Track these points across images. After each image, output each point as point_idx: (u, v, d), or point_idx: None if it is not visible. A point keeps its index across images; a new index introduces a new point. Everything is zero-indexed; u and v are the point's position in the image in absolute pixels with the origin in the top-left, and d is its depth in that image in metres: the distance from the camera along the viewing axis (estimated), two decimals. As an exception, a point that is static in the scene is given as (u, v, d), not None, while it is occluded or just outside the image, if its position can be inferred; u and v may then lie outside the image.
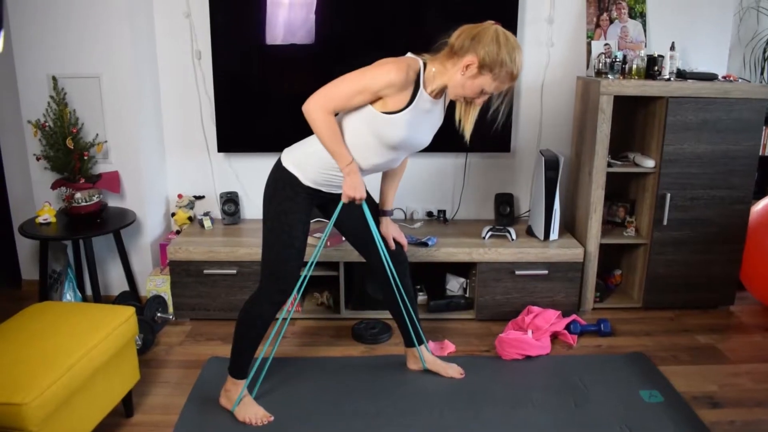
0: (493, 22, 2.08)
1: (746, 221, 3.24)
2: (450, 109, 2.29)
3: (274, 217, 2.26)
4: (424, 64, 2.14)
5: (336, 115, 2.14)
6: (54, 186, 3.04)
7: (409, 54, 2.17)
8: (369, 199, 2.47)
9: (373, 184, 2.55)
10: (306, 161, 2.24)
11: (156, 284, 3.20)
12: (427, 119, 2.20)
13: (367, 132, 2.15)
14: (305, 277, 2.38)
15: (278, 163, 2.29)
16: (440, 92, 2.18)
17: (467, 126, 2.23)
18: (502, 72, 2.05)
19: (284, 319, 2.51)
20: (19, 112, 3.17)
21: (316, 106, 2.08)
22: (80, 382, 1.96)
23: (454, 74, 2.09)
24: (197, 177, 3.55)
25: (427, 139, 2.26)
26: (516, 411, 2.43)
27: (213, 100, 3.35)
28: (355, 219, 2.43)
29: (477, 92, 2.10)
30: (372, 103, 2.11)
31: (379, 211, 2.53)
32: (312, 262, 2.40)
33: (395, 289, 2.52)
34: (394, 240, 2.53)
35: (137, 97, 3.16)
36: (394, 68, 2.05)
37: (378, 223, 2.48)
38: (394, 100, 2.09)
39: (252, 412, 2.36)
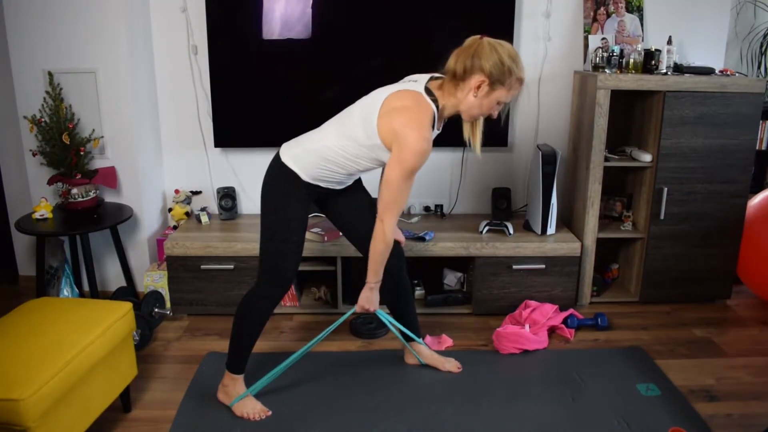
0: (479, 36, 2.07)
1: (743, 215, 3.24)
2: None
3: (273, 212, 2.26)
4: (436, 104, 2.12)
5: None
6: (50, 181, 3.03)
7: (414, 83, 2.14)
8: (366, 195, 2.48)
9: (373, 183, 2.55)
10: (305, 157, 2.23)
11: (153, 279, 3.20)
12: None
13: (369, 158, 2.19)
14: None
15: (277, 159, 2.28)
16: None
17: (476, 142, 2.23)
18: (513, 80, 2.06)
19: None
20: (15, 108, 3.16)
21: (391, 230, 2.17)
22: (78, 377, 1.96)
23: (466, 98, 2.09)
24: (194, 172, 3.55)
25: None
26: (513, 405, 2.43)
27: (209, 95, 3.34)
28: (352, 212, 2.43)
29: (493, 106, 2.12)
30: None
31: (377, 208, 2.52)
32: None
33: (392, 283, 2.52)
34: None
35: (134, 92, 3.15)
36: (427, 140, 2.04)
37: (374, 221, 2.48)
38: None
39: (250, 406, 2.36)
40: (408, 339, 2.64)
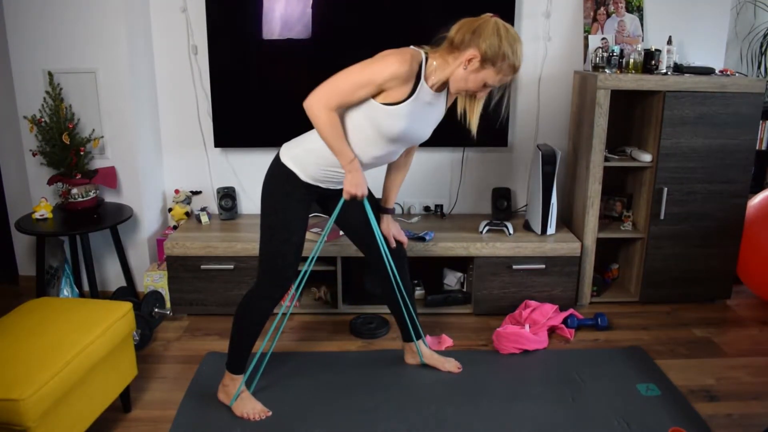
0: (492, 14, 2.07)
1: (743, 215, 3.24)
2: (452, 104, 2.29)
3: (273, 212, 2.25)
4: (426, 56, 2.13)
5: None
6: (50, 181, 3.03)
7: (411, 47, 2.16)
8: (370, 195, 2.47)
9: (374, 182, 2.54)
10: (305, 157, 2.23)
11: (153, 280, 3.20)
12: (427, 112, 2.19)
13: (368, 125, 2.14)
14: (305, 272, 2.38)
15: (277, 159, 2.28)
16: (441, 86, 2.17)
17: (473, 120, 2.22)
18: (505, 65, 2.04)
19: (283, 314, 2.51)
20: (15, 108, 3.16)
21: (318, 103, 2.05)
22: (78, 377, 1.96)
23: (456, 68, 2.08)
24: (194, 172, 3.55)
25: (427, 132, 2.26)
26: (513, 405, 2.43)
27: (209, 95, 3.34)
28: (355, 214, 2.43)
29: (480, 86, 2.10)
30: (373, 96, 2.11)
31: (380, 209, 2.52)
32: (312, 258, 2.39)
33: (394, 284, 2.52)
34: (394, 237, 2.52)
35: (133, 92, 3.15)
36: (398, 60, 2.04)
37: (378, 220, 2.48)
38: (397, 92, 2.08)
39: (250, 406, 2.36)
40: (408, 336, 2.64)
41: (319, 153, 2.20)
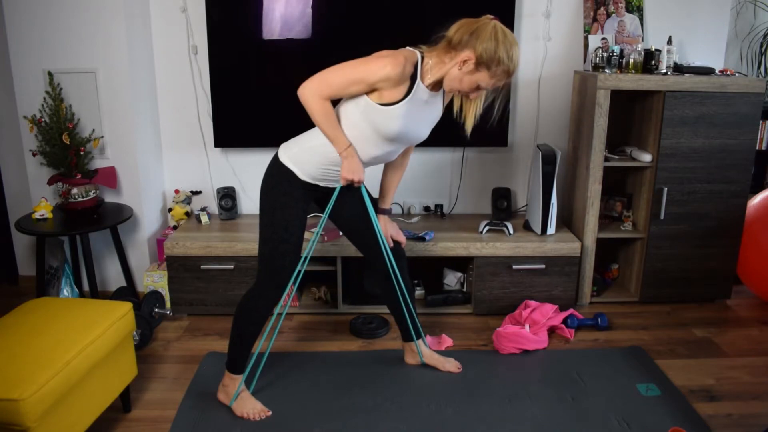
0: (491, 17, 2.07)
1: (743, 215, 3.24)
2: (449, 102, 2.29)
3: (271, 211, 2.26)
4: (422, 56, 2.13)
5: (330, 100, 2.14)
6: (50, 181, 3.03)
7: (407, 47, 2.16)
8: (368, 194, 2.47)
9: (373, 182, 2.54)
10: (303, 156, 2.24)
11: (153, 280, 3.20)
12: (424, 112, 2.20)
13: (365, 124, 2.15)
14: (299, 271, 2.38)
15: (275, 158, 2.29)
16: (438, 85, 2.18)
17: (468, 120, 2.23)
18: (499, 69, 2.05)
19: (280, 314, 2.51)
20: (15, 108, 3.16)
21: (311, 91, 2.09)
22: (78, 377, 1.96)
23: (451, 68, 2.09)
24: (194, 172, 3.55)
25: (424, 132, 2.26)
26: (513, 405, 2.43)
27: (209, 95, 3.34)
28: (353, 211, 2.43)
29: (473, 87, 2.11)
30: (368, 93, 2.11)
31: (377, 209, 2.52)
32: (306, 257, 2.39)
33: (393, 280, 2.52)
34: (392, 237, 2.53)
35: (133, 92, 3.15)
36: (391, 62, 2.05)
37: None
38: (390, 93, 2.09)
39: (250, 406, 2.36)
40: (409, 336, 2.65)
41: (317, 151, 2.21)
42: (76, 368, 1.95)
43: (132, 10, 3.10)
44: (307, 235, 2.80)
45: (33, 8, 2.98)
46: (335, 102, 2.22)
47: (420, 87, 2.13)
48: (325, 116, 2.11)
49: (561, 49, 3.43)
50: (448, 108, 2.28)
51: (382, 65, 2.05)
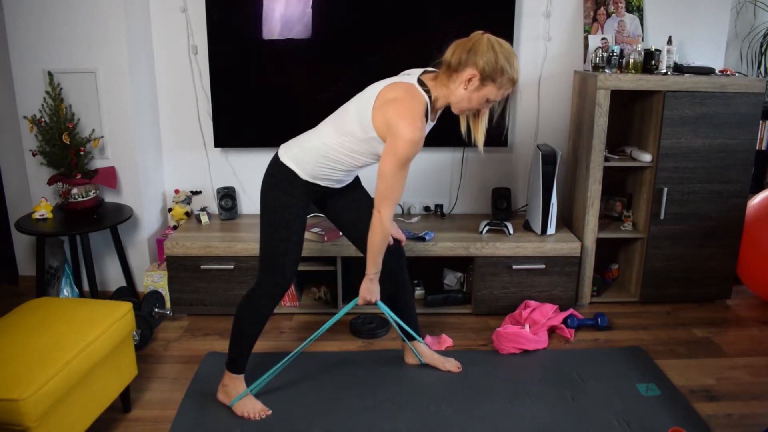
0: (482, 32, 2.09)
1: (743, 215, 3.24)
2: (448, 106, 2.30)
3: (272, 211, 2.26)
4: (428, 93, 2.13)
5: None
6: (50, 182, 3.03)
7: (408, 76, 2.17)
8: (365, 194, 2.48)
9: (373, 181, 2.54)
10: (303, 156, 2.24)
11: (153, 279, 3.20)
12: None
13: (366, 147, 2.19)
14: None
15: (275, 158, 2.29)
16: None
17: (479, 137, 2.25)
18: (504, 79, 2.07)
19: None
20: (15, 108, 3.16)
21: (387, 217, 2.19)
22: (78, 377, 1.96)
23: (457, 90, 2.10)
24: (194, 172, 3.55)
25: None
26: (513, 405, 2.43)
27: (209, 95, 3.34)
28: (353, 211, 2.44)
29: (482, 103, 2.13)
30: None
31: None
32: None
33: (393, 283, 2.52)
34: (392, 236, 2.53)
35: (133, 92, 3.15)
36: (417, 131, 2.06)
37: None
38: None
39: (250, 406, 2.36)
40: (409, 337, 2.64)
41: (317, 150, 2.22)
42: (76, 368, 1.95)
43: (132, 10, 3.10)
44: (308, 235, 2.80)
45: (33, 8, 2.98)
46: (339, 104, 2.24)
47: (429, 124, 2.17)
48: (383, 243, 2.25)
49: (561, 49, 3.43)
50: (448, 108, 2.28)
51: (413, 143, 2.06)
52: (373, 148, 2.17)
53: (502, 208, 3.47)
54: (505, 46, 2.06)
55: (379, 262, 2.28)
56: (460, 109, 2.16)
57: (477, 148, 2.24)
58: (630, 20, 3.35)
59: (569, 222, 3.45)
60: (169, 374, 2.67)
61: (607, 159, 3.19)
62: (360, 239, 2.51)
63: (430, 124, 2.23)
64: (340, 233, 3.06)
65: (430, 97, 2.13)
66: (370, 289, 2.33)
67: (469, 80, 2.07)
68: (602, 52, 3.18)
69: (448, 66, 2.10)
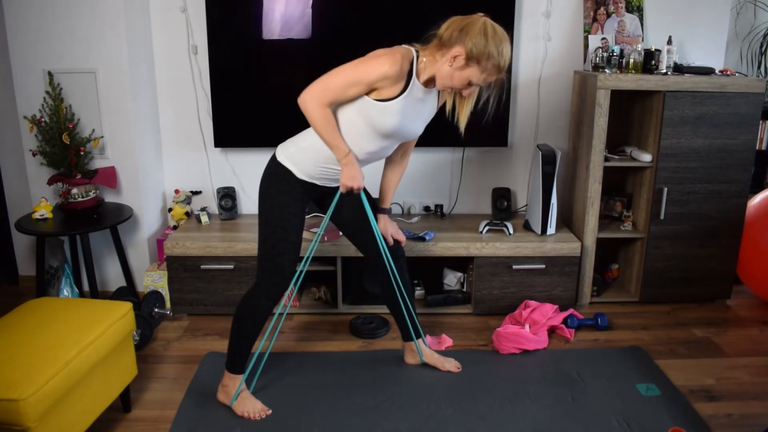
0: (482, 14, 2.09)
1: (743, 215, 3.24)
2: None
3: (269, 210, 2.26)
4: (417, 54, 2.15)
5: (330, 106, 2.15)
6: (50, 182, 3.03)
7: (402, 45, 2.17)
8: (367, 195, 2.47)
9: (373, 181, 2.54)
10: (300, 155, 2.24)
11: (153, 279, 3.20)
12: (419, 108, 2.21)
13: (361, 121, 2.16)
14: (301, 272, 2.38)
15: (273, 158, 2.29)
16: (432, 82, 2.19)
17: (462, 118, 2.25)
18: (489, 64, 2.06)
19: (281, 314, 2.51)
20: (15, 108, 3.16)
21: (311, 99, 2.09)
22: (78, 377, 1.96)
23: (443, 65, 2.10)
24: (194, 172, 3.55)
25: (419, 128, 2.28)
26: (513, 405, 2.43)
27: (209, 95, 3.34)
28: (352, 211, 2.43)
29: (464, 83, 2.12)
30: (366, 93, 2.12)
31: (377, 208, 2.52)
32: (308, 257, 2.39)
33: (393, 282, 2.52)
34: (392, 237, 2.53)
35: (133, 92, 3.15)
36: (389, 61, 2.06)
37: (376, 220, 2.48)
38: (388, 90, 2.11)
39: (250, 406, 2.36)
40: (409, 335, 2.64)
41: (314, 150, 2.22)
42: (76, 368, 1.95)
43: (132, 10, 3.10)
44: (307, 235, 2.80)
45: (33, 8, 2.98)
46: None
47: (416, 84, 2.14)
48: (326, 123, 2.12)
49: (561, 49, 3.43)
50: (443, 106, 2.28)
51: (380, 64, 2.06)
52: (368, 114, 2.13)
53: (502, 208, 3.47)
54: (499, 33, 2.05)
55: (337, 143, 2.14)
56: (443, 85, 2.15)
57: (460, 127, 2.24)
58: (630, 20, 3.35)
59: (569, 222, 3.45)
60: (169, 374, 2.67)
61: (607, 159, 3.19)
62: (360, 239, 2.51)
63: (427, 92, 2.19)
64: (340, 233, 3.06)
65: (418, 57, 2.14)
66: (349, 174, 2.19)
67: (455, 58, 2.06)
68: (602, 52, 3.18)
69: (439, 39, 2.11)
